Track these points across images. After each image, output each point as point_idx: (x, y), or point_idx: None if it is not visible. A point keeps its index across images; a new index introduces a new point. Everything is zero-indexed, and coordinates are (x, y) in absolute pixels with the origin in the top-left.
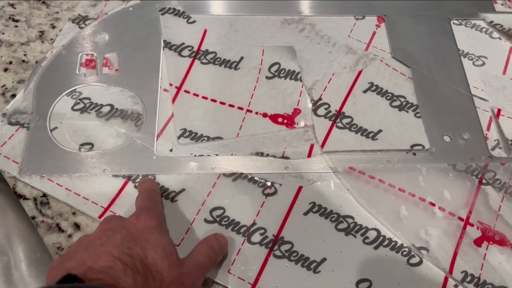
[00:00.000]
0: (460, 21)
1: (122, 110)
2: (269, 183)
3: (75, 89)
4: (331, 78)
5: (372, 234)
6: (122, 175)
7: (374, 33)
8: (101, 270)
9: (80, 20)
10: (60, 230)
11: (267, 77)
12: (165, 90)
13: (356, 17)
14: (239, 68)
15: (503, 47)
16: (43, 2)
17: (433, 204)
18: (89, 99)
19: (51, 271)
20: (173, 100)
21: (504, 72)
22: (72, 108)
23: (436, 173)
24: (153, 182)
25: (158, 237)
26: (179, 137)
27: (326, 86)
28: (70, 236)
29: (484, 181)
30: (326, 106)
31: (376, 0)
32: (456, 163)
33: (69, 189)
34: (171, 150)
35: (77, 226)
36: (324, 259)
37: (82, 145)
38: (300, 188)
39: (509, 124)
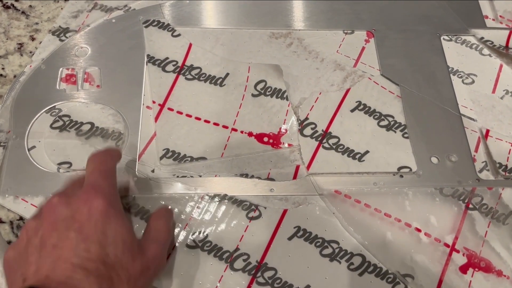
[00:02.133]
0: (450, 36)
1: (103, 129)
2: (253, 206)
3: (54, 106)
4: (318, 97)
5: (357, 260)
6: None
7: (363, 48)
8: (61, 281)
9: (61, 32)
10: None
11: (253, 95)
12: (147, 107)
13: (345, 31)
14: (225, 84)
15: (493, 64)
16: (23, 12)
17: (419, 230)
18: (68, 116)
19: (8, 271)
20: (156, 118)
21: (494, 91)
22: (51, 126)
23: (423, 198)
24: (109, 152)
25: (115, 226)
26: (161, 158)
27: (313, 105)
28: None
29: (471, 206)
30: (313, 125)
31: (366, 14)
32: (443, 187)
33: None
34: (153, 171)
35: None
36: (308, 286)
37: (61, 164)
38: (285, 211)
39: (498, 145)
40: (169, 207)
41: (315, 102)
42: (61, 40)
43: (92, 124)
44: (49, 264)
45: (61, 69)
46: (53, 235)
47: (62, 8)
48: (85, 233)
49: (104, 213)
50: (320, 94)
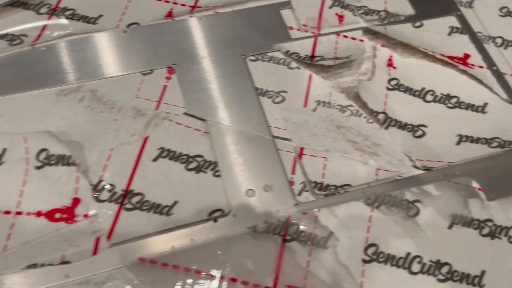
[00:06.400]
0: (256, 56)
1: None
2: None
3: None
4: (110, 154)
5: None
6: None
7: (165, 87)
8: None
9: None
10: None
11: (37, 167)
12: None
13: (143, 72)
14: (3, 162)
15: (303, 76)
16: None
17: (235, 280)
18: None
19: None
20: None
21: (305, 104)
22: None
23: (236, 242)
24: None
25: None
26: None
27: (106, 165)
28: None
29: (288, 237)
30: (110, 187)
31: (164, 49)
32: (256, 225)
33: None
34: None
35: None
36: None
37: None
38: None
39: (312, 162)
40: None
41: (107, 160)
42: None
43: None
44: None
45: None
46: None
47: None
48: None
49: None
50: (112, 150)
